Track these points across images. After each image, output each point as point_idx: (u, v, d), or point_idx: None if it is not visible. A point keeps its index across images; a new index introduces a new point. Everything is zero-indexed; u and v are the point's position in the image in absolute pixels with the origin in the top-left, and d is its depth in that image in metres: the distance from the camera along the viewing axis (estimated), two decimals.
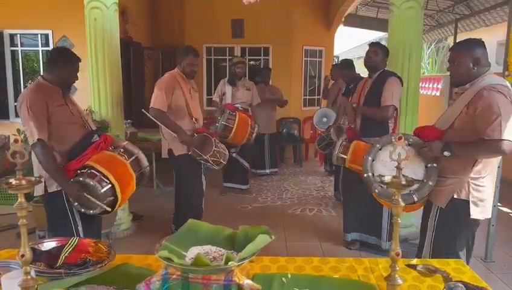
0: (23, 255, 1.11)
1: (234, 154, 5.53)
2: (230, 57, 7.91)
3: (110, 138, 2.72)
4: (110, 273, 1.49)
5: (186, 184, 3.91)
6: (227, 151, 3.98)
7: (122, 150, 2.68)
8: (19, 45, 6.18)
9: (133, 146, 2.79)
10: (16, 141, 1.11)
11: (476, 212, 2.31)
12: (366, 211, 3.66)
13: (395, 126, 3.66)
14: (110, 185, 2.41)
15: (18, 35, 6.15)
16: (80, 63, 2.73)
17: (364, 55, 3.69)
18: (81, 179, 2.40)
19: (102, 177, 2.40)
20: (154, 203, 4.21)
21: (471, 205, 2.30)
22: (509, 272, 3.46)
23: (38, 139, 2.41)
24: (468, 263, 2.30)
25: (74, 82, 2.77)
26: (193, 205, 3.90)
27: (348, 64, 5.09)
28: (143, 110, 3.81)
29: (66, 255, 1.52)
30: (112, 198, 2.45)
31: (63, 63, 2.65)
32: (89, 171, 2.43)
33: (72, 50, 2.83)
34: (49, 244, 1.58)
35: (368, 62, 3.59)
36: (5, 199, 4.79)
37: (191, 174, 3.88)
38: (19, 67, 6.23)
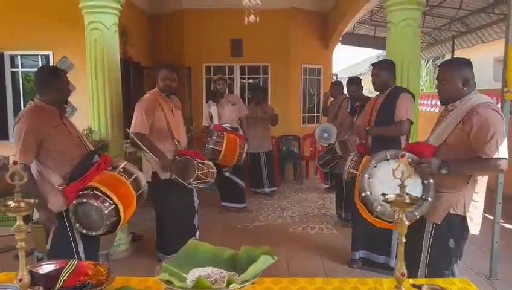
0: (21, 279, 1.09)
1: (227, 174, 5.50)
2: (230, 76, 7.97)
3: (109, 158, 2.73)
4: None
5: (176, 208, 3.79)
6: (214, 169, 3.84)
7: (121, 169, 2.68)
8: (19, 65, 6.21)
9: (132, 166, 2.79)
10: (14, 162, 1.09)
11: (473, 228, 2.31)
12: (375, 229, 3.57)
13: (406, 142, 3.61)
14: (113, 206, 2.43)
15: (18, 56, 6.17)
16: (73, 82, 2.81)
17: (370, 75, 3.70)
18: (84, 200, 2.41)
19: (106, 198, 2.42)
20: (154, 223, 4.19)
21: (468, 220, 2.29)
22: None
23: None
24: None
25: (69, 95, 2.78)
26: (184, 224, 3.86)
27: (355, 81, 5.06)
28: (127, 129, 3.70)
29: (64, 278, 1.49)
30: (115, 218, 2.47)
31: (51, 79, 2.66)
32: (91, 192, 2.44)
33: (73, 70, 2.87)
34: (47, 267, 1.55)
35: (374, 84, 3.61)
36: (3, 220, 4.74)
37: (180, 197, 3.78)
38: (19, 88, 6.24)
